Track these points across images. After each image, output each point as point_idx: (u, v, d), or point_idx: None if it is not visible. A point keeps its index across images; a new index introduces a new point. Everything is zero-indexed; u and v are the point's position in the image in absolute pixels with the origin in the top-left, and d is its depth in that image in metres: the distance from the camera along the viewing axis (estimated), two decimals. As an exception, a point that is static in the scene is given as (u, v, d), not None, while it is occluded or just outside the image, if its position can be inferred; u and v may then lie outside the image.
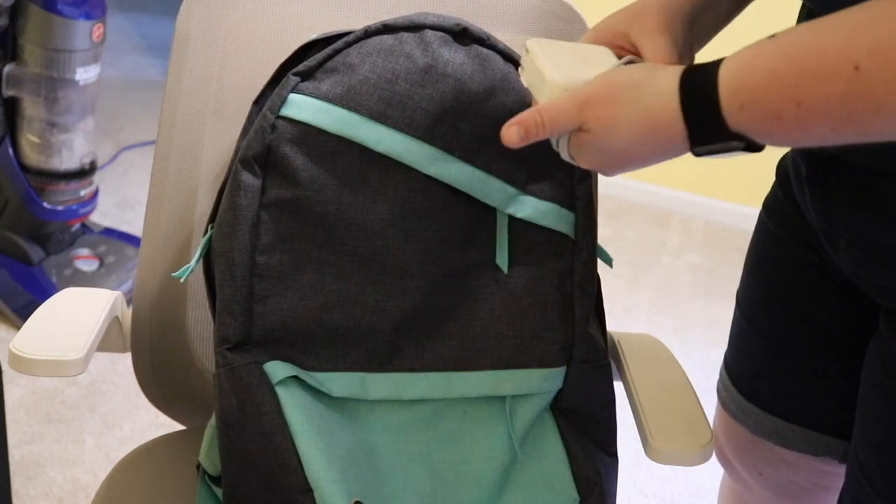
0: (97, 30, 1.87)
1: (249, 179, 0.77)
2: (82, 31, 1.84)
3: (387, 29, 0.80)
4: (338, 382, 0.78)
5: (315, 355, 0.78)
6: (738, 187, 2.83)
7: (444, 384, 0.81)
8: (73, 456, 1.68)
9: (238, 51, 0.96)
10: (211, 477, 0.85)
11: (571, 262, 0.84)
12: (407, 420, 0.80)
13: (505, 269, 0.83)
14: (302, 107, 0.78)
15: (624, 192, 2.95)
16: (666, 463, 0.83)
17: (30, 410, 1.78)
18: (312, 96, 0.78)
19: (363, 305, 0.78)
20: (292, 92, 0.78)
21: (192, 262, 0.81)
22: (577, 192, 0.85)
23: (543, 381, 0.82)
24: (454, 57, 0.80)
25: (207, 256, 0.82)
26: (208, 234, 0.82)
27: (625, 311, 2.35)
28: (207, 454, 0.86)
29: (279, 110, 0.77)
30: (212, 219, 0.83)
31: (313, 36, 0.84)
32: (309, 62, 0.79)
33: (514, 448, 0.81)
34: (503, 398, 0.82)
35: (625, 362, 0.95)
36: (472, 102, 0.80)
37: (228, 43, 0.96)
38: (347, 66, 0.78)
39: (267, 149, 0.77)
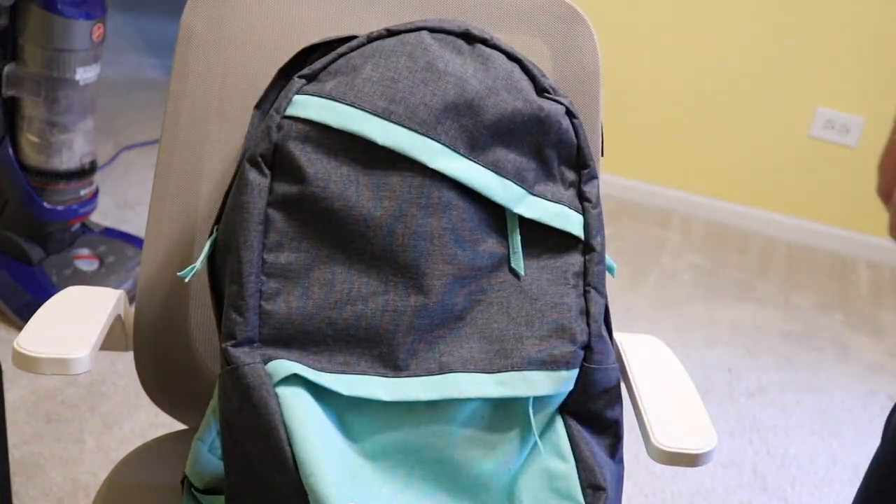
0: (97, 30, 1.87)
1: (257, 178, 0.78)
2: (82, 31, 1.84)
3: (389, 33, 0.82)
4: (350, 385, 0.77)
5: (327, 357, 0.78)
6: (738, 187, 2.83)
7: (463, 387, 0.79)
8: (72, 456, 1.68)
9: (242, 51, 0.96)
10: (198, 490, 0.85)
11: (584, 262, 0.84)
12: (421, 422, 0.79)
13: (521, 270, 0.83)
14: (306, 106, 0.79)
15: (624, 192, 2.95)
16: (668, 464, 0.83)
17: (30, 410, 1.78)
18: (316, 95, 0.79)
19: (375, 305, 0.78)
20: (297, 94, 0.79)
21: (197, 262, 0.81)
22: (585, 192, 0.85)
23: (560, 384, 0.81)
24: (455, 56, 0.82)
25: (211, 259, 0.82)
26: (213, 235, 0.82)
27: (625, 311, 2.36)
28: (193, 467, 0.85)
29: (285, 111, 0.79)
30: (217, 221, 0.83)
31: (315, 40, 0.85)
32: (313, 66, 0.80)
33: (526, 453, 0.81)
34: (520, 402, 0.81)
35: (627, 364, 0.95)
36: (474, 100, 0.81)
37: (233, 43, 0.96)
38: (350, 67, 0.80)
39: (274, 147, 0.78)
